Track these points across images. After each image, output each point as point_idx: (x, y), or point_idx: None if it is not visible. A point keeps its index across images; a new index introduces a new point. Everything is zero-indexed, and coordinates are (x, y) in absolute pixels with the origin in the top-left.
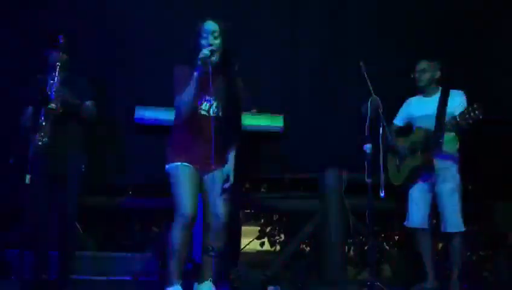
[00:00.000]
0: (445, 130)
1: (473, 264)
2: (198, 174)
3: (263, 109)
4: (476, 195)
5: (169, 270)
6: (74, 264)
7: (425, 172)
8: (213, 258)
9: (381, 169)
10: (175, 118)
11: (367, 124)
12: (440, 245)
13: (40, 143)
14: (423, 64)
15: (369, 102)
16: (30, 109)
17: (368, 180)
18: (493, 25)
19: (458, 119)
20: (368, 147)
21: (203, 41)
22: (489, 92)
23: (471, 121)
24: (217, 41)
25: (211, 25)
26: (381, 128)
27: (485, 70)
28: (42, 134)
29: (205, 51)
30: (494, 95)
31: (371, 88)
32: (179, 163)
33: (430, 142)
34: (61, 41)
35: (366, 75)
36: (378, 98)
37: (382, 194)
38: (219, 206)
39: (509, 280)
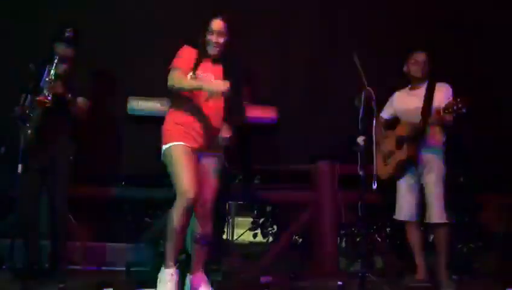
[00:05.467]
0: (430, 123)
1: (463, 256)
2: (194, 155)
3: (256, 100)
4: (467, 187)
5: (166, 252)
6: (66, 254)
7: (412, 165)
8: (203, 248)
9: (374, 161)
10: (171, 96)
11: (360, 116)
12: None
13: (27, 134)
14: (423, 56)
15: (362, 94)
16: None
17: (361, 172)
18: (479, 18)
19: (442, 113)
20: (360, 139)
21: (209, 37)
22: (477, 84)
23: (454, 115)
24: (221, 40)
25: (218, 24)
26: (374, 120)
27: (469, 62)
28: (29, 125)
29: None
30: (481, 87)
31: (364, 80)
32: (177, 142)
33: (416, 135)
34: (68, 34)
35: (359, 67)
36: (371, 90)
37: (374, 186)
38: (207, 194)
39: (499, 272)
